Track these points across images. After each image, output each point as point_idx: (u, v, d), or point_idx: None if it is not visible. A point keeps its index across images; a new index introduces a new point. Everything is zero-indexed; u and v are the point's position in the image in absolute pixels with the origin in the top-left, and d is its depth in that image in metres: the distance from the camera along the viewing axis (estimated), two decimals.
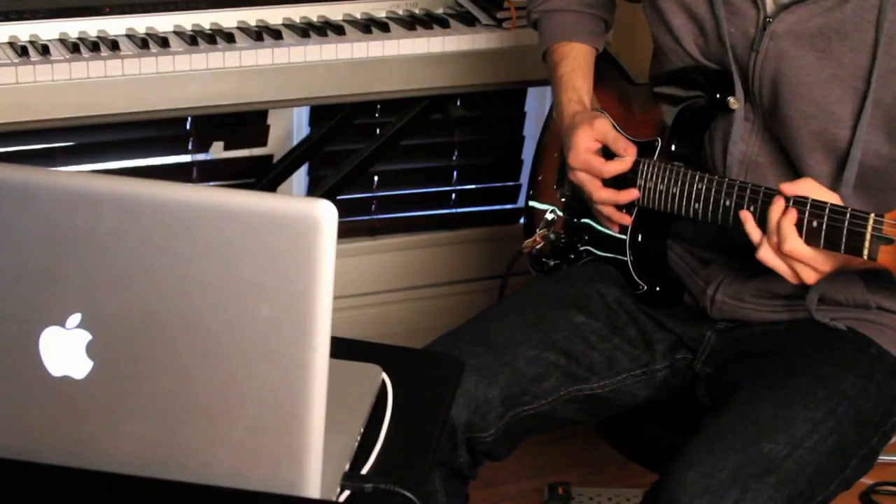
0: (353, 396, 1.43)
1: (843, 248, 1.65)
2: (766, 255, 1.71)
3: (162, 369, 1.23)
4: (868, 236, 1.63)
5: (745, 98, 1.86)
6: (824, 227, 1.66)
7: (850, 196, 1.78)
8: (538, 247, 2.16)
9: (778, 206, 1.69)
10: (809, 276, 1.70)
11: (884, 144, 1.78)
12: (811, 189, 1.70)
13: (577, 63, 2.06)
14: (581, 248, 2.09)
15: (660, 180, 1.91)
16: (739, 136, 1.87)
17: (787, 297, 1.90)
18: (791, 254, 1.68)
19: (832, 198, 1.70)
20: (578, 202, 2.07)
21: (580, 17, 2.10)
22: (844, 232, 1.65)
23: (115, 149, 2.76)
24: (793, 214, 1.68)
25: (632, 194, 1.93)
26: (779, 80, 1.80)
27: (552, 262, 2.14)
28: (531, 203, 2.24)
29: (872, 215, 1.63)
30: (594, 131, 1.94)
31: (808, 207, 1.67)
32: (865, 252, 1.63)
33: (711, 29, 1.87)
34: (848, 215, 1.65)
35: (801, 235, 1.68)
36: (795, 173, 1.83)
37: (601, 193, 1.94)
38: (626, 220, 1.96)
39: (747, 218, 1.75)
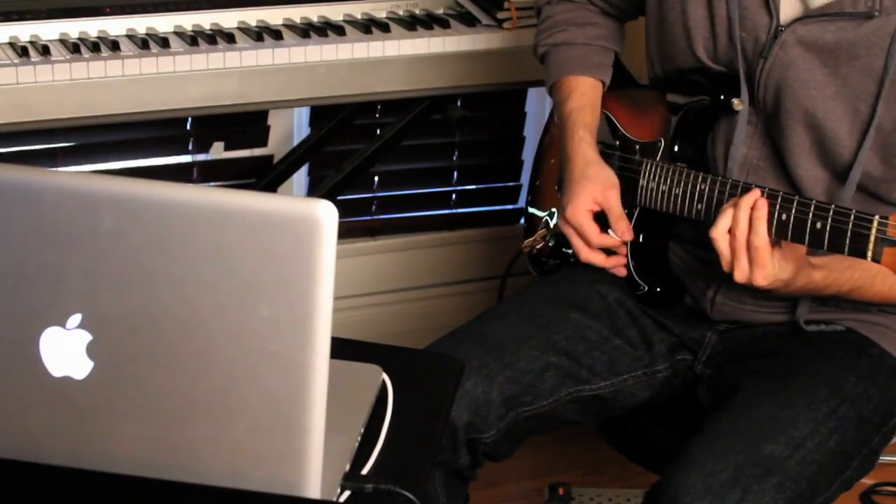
0: (353, 397, 1.43)
1: (846, 249, 1.65)
2: (718, 235, 1.73)
3: (162, 369, 1.23)
4: (872, 238, 1.63)
5: (750, 102, 1.86)
6: (828, 228, 1.66)
7: None
8: (538, 247, 2.15)
9: (750, 196, 1.72)
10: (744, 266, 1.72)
11: (877, 167, 1.79)
12: None
13: (585, 98, 2.03)
14: None
15: (662, 181, 1.91)
16: (742, 140, 1.86)
17: (787, 298, 1.90)
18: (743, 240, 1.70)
19: None
20: None
21: (589, 51, 2.08)
22: (848, 233, 1.65)
23: (116, 149, 2.76)
24: (763, 209, 1.70)
25: (620, 261, 1.96)
26: (783, 88, 1.80)
27: (552, 263, 2.14)
28: (530, 209, 2.23)
29: (877, 217, 1.63)
30: (602, 197, 1.94)
31: (813, 209, 1.69)
32: (869, 254, 1.64)
33: (724, 30, 1.86)
34: (852, 217, 1.65)
35: (792, 233, 1.69)
36: (792, 179, 1.83)
37: (588, 256, 1.96)
38: (621, 270, 1.98)
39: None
